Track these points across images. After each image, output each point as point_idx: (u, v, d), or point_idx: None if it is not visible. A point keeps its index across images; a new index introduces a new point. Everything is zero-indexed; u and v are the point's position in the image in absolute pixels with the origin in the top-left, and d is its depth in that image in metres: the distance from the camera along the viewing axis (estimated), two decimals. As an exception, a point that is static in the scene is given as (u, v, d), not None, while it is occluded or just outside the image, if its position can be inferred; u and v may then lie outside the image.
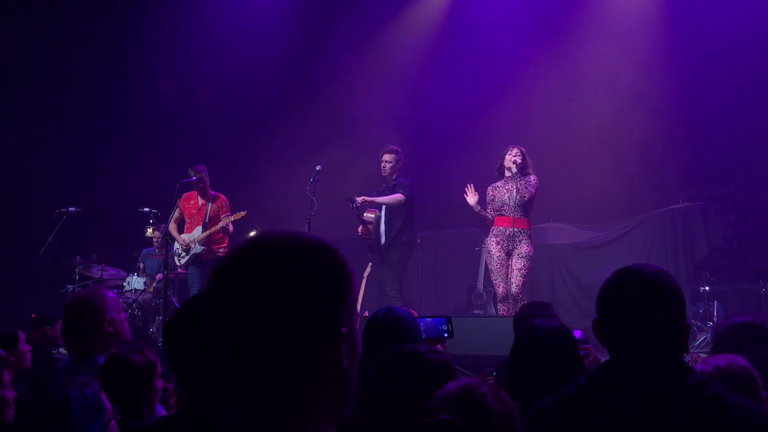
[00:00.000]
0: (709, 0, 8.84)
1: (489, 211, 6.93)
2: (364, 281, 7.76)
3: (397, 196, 7.28)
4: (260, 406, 1.04)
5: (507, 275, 6.79)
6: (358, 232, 7.56)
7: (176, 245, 7.86)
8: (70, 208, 8.19)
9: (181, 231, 7.97)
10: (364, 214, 7.44)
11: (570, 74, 9.45)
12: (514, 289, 6.69)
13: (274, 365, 1.02)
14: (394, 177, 7.48)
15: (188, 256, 7.83)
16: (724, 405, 1.73)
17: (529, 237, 6.82)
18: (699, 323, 7.82)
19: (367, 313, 6.76)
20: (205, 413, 1.75)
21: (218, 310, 1.04)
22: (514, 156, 6.77)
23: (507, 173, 6.83)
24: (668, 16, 9.30)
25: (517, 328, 3.84)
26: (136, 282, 8.49)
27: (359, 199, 7.28)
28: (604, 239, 8.98)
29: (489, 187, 6.98)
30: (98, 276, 8.37)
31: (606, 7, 9.58)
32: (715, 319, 7.85)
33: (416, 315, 3.20)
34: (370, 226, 7.45)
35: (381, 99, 10.12)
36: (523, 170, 6.79)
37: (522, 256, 6.71)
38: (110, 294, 3.15)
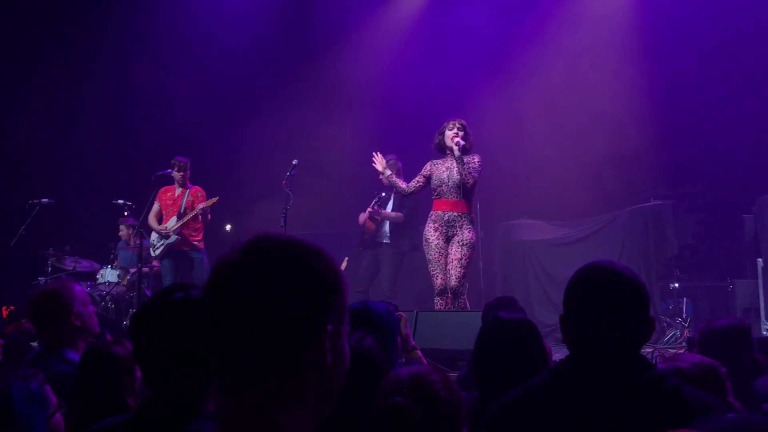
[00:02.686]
0: (684, 1, 8.98)
1: (419, 179, 6.35)
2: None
3: (398, 215, 7.82)
4: (244, 400, 1.09)
5: (446, 265, 6.07)
6: (359, 221, 7.89)
7: (152, 236, 7.81)
8: (43, 200, 8.12)
9: (159, 223, 7.93)
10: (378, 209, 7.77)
11: (544, 71, 9.53)
12: (453, 282, 5.94)
13: (260, 360, 1.08)
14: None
15: (162, 247, 7.79)
16: (680, 398, 1.78)
17: (471, 222, 6.12)
18: (668, 319, 7.96)
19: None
20: (159, 416, 1.66)
21: (214, 309, 1.10)
22: (455, 135, 6.08)
23: (448, 152, 6.19)
24: (643, 16, 9.43)
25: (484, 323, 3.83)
26: (109, 274, 8.44)
27: (369, 209, 7.74)
28: (576, 236, 9.07)
29: (428, 163, 6.33)
30: (71, 268, 8.30)
31: (580, 6, 9.71)
32: (684, 315, 8.00)
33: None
34: (376, 222, 7.80)
35: (357, 91, 10.17)
36: (465, 150, 6.13)
37: (463, 244, 5.99)
38: (77, 287, 3.15)
